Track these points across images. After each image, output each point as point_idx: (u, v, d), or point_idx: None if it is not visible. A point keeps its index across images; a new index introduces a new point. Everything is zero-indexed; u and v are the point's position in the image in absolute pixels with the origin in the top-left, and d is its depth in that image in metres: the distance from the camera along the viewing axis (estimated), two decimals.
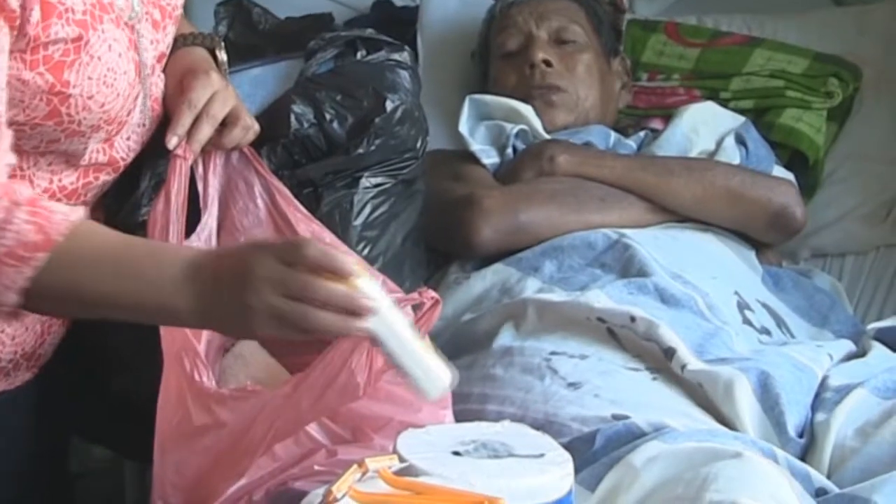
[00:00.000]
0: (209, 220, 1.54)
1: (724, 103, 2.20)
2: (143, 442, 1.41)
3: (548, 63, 2.07)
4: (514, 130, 2.03)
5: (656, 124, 2.19)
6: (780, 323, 1.84)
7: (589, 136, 2.05)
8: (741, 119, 2.12)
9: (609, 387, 1.54)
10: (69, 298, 1.26)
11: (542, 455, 1.19)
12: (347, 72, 1.71)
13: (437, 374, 1.21)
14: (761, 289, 1.90)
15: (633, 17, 2.38)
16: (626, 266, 1.78)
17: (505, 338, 1.69)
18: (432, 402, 1.19)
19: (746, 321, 1.77)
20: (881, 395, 1.52)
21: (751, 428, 1.49)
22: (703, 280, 1.78)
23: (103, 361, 1.60)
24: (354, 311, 1.18)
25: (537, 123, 2.04)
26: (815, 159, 2.20)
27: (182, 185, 1.48)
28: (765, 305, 1.84)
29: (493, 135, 2.06)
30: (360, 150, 1.64)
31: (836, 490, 1.37)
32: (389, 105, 1.65)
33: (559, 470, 1.17)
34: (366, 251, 1.63)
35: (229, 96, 1.53)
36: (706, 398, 1.54)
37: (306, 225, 1.53)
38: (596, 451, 1.40)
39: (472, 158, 2.02)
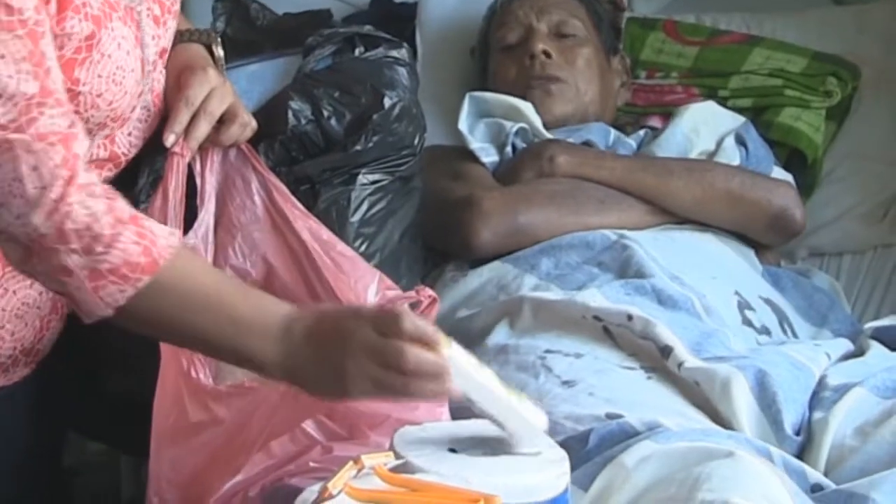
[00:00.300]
0: (206, 216, 1.54)
1: (722, 102, 2.19)
2: (139, 438, 1.41)
3: (547, 54, 2.07)
4: (514, 129, 2.02)
5: (655, 122, 2.18)
6: (783, 319, 1.84)
7: (589, 134, 2.04)
8: (741, 119, 2.12)
9: (603, 385, 1.54)
10: (159, 323, 1.28)
11: (538, 453, 1.19)
12: (345, 68, 1.71)
13: (530, 421, 1.22)
14: (763, 285, 1.90)
15: (631, 14, 2.38)
16: (624, 266, 1.78)
17: (500, 335, 1.69)
18: (530, 450, 1.20)
19: (746, 321, 1.77)
20: (880, 394, 1.52)
21: (747, 426, 1.49)
22: (702, 281, 1.78)
23: (101, 357, 1.59)
24: (442, 377, 1.22)
25: (537, 121, 2.04)
26: (813, 158, 2.20)
27: (180, 183, 1.48)
28: (768, 302, 1.84)
29: (493, 133, 2.05)
30: (358, 147, 1.64)
31: (833, 486, 1.37)
32: (387, 102, 1.65)
33: (556, 468, 1.17)
34: (363, 248, 1.63)
35: (227, 93, 1.53)
36: (702, 396, 1.54)
37: (303, 222, 1.53)
38: (589, 450, 1.40)
39: (471, 156, 2.02)
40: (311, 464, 1.35)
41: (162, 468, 1.39)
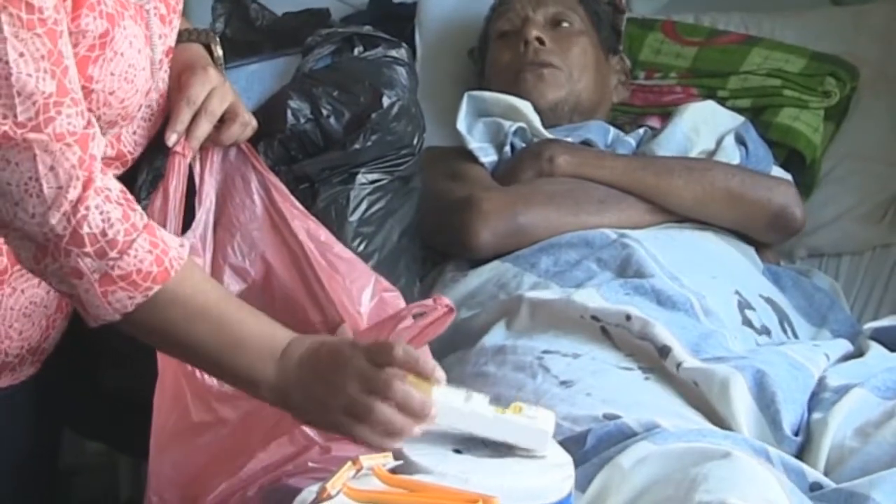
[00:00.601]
0: (205, 216, 1.54)
1: (721, 102, 2.19)
2: (138, 437, 1.41)
3: (541, 41, 2.08)
4: (513, 128, 2.03)
5: (653, 122, 2.18)
6: (784, 318, 1.84)
7: (588, 133, 2.04)
8: (741, 119, 2.12)
9: (601, 386, 1.54)
10: (163, 333, 1.30)
11: (543, 456, 1.19)
12: (344, 68, 1.71)
13: (533, 432, 1.22)
14: (764, 284, 1.90)
15: (630, 15, 2.38)
16: (624, 265, 1.78)
17: (497, 336, 1.69)
18: (544, 453, 1.21)
19: (746, 321, 1.76)
20: (881, 394, 1.52)
21: (746, 426, 1.49)
22: (702, 281, 1.77)
23: (99, 356, 1.59)
24: (424, 415, 1.23)
25: (536, 121, 2.04)
26: (812, 159, 2.20)
27: (180, 183, 1.49)
28: (768, 300, 1.84)
29: (492, 132, 2.05)
30: (357, 146, 1.64)
31: (832, 485, 1.36)
32: (386, 101, 1.65)
33: (560, 472, 1.16)
34: (361, 247, 1.63)
35: (227, 92, 1.53)
36: (700, 397, 1.54)
37: (301, 222, 1.53)
38: (587, 451, 1.40)
39: (470, 156, 2.02)
40: (310, 464, 1.35)
41: (163, 467, 1.39)
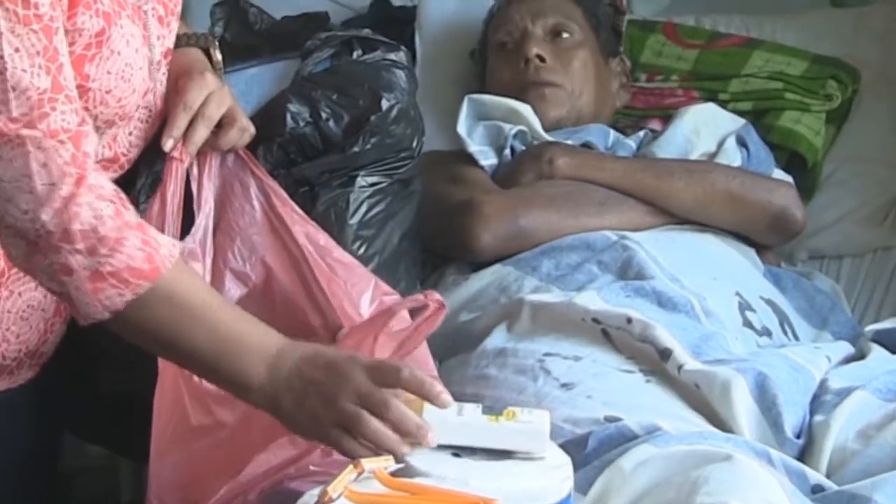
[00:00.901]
0: (204, 221, 1.54)
1: (722, 105, 2.19)
2: (138, 440, 1.41)
3: (541, 58, 2.08)
4: (513, 131, 2.03)
5: (655, 125, 2.18)
6: (784, 320, 1.84)
7: (588, 135, 2.05)
8: (742, 121, 2.12)
9: (602, 388, 1.54)
10: (153, 332, 1.29)
11: (542, 458, 1.19)
12: (343, 71, 1.71)
13: (529, 435, 1.22)
14: (765, 285, 1.90)
15: (631, 17, 2.38)
16: (625, 267, 1.78)
17: (498, 339, 1.69)
18: (543, 454, 1.20)
19: (747, 323, 1.76)
20: (882, 396, 1.52)
21: (747, 428, 1.48)
22: (702, 283, 1.77)
23: (98, 359, 1.59)
24: (420, 436, 1.22)
25: (536, 124, 2.04)
26: (813, 161, 2.20)
27: (178, 188, 1.49)
28: (769, 302, 1.84)
29: (492, 135, 2.05)
30: (356, 149, 1.64)
31: (834, 487, 1.36)
32: (385, 104, 1.65)
33: (559, 473, 1.16)
34: (361, 250, 1.63)
35: (225, 97, 1.53)
36: (702, 399, 1.53)
37: (301, 226, 1.53)
38: (588, 453, 1.39)
39: (470, 159, 2.02)
40: (311, 467, 1.35)
41: (163, 471, 1.39)
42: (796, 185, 2.05)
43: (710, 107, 2.15)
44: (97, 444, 1.93)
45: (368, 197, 1.65)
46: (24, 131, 1.21)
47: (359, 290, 1.49)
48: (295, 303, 1.52)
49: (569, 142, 2.02)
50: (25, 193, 1.22)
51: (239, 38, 1.88)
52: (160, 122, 1.52)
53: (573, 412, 1.48)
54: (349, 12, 2.41)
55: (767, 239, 2.01)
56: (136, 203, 1.53)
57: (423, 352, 1.48)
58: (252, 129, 1.56)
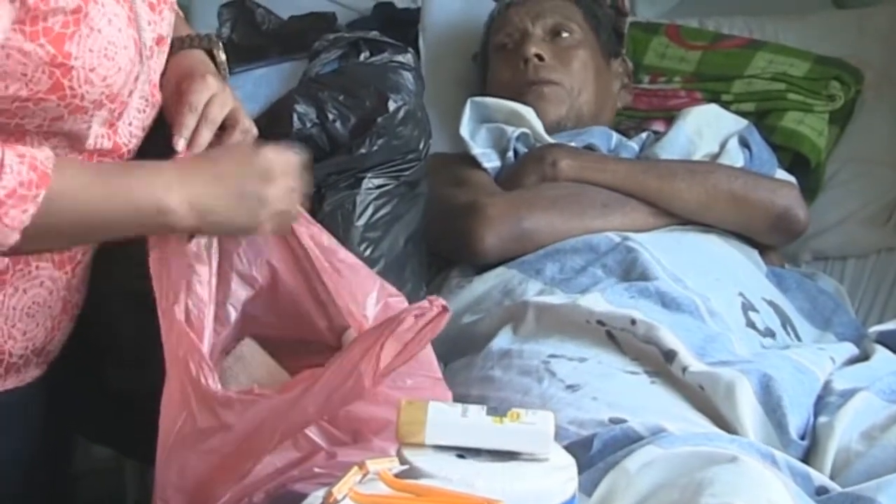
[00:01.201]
0: None
1: (725, 106, 2.20)
2: (143, 440, 1.41)
3: (540, 57, 2.08)
4: (516, 134, 2.03)
5: (658, 126, 2.18)
6: (786, 321, 1.84)
7: (591, 137, 2.05)
8: (744, 122, 2.12)
9: (607, 390, 1.54)
10: (63, 227, 1.32)
11: (546, 459, 1.19)
12: (350, 72, 1.71)
13: (533, 436, 1.21)
14: (767, 287, 1.90)
15: (634, 19, 2.39)
16: (629, 269, 1.78)
17: (503, 340, 1.69)
18: (547, 456, 1.20)
19: (750, 323, 1.76)
20: (886, 398, 1.52)
21: (752, 430, 1.49)
22: (705, 283, 1.78)
23: (104, 357, 1.60)
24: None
25: (539, 126, 2.05)
26: (816, 162, 2.20)
27: None
28: (771, 304, 1.84)
29: (495, 138, 2.06)
30: (363, 150, 1.64)
31: (838, 488, 1.36)
32: (392, 105, 1.65)
33: (563, 474, 1.16)
34: (367, 252, 1.63)
35: (227, 99, 1.53)
36: (706, 401, 1.53)
37: (305, 227, 1.53)
38: (593, 455, 1.40)
39: (473, 162, 2.02)
40: (316, 469, 1.35)
41: (169, 474, 1.39)
42: (799, 186, 2.05)
43: (713, 108, 2.15)
44: (103, 444, 1.93)
45: (375, 199, 1.65)
46: None
47: (364, 292, 1.49)
48: (300, 303, 1.52)
49: (571, 144, 2.02)
50: None
51: (246, 38, 1.88)
52: (157, 112, 1.52)
53: (578, 414, 1.48)
54: (353, 14, 2.42)
55: (770, 239, 2.01)
56: None
57: (428, 353, 1.49)
58: (255, 131, 1.56)
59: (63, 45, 1.32)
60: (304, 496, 1.22)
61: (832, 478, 1.42)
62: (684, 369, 1.56)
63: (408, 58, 1.72)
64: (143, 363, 1.43)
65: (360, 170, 1.64)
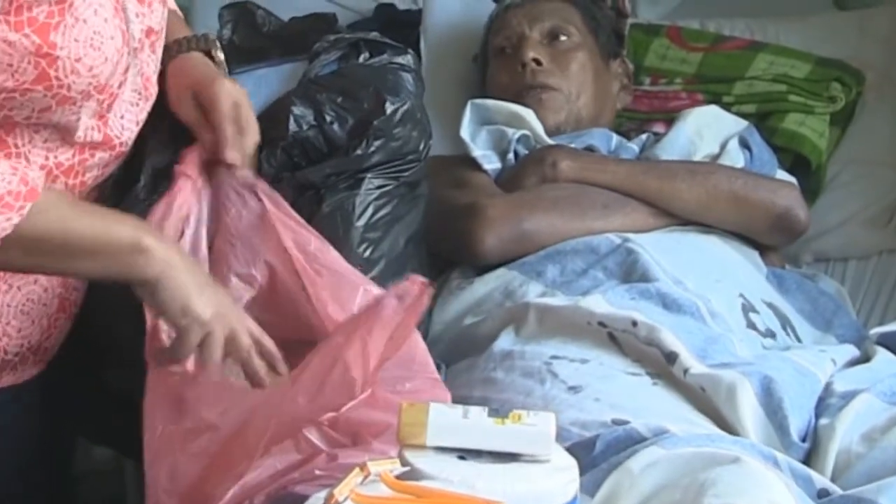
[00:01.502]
0: (191, 238, 1.54)
1: (726, 108, 2.19)
2: (142, 441, 1.41)
3: (538, 62, 2.08)
4: (516, 136, 2.03)
5: (659, 128, 2.18)
6: (786, 323, 1.83)
7: (591, 139, 2.05)
8: (744, 123, 2.12)
9: (610, 391, 1.54)
10: (42, 244, 1.33)
11: (548, 460, 1.19)
12: (349, 74, 1.71)
13: (535, 437, 1.20)
14: (767, 289, 1.90)
15: (635, 20, 2.38)
16: (629, 270, 1.78)
17: (505, 341, 1.69)
18: (548, 457, 1.20)
19: (751, 324, 1.76)
20: (887, 399, 1.52)
21: (753, 432, 1.48)
22: (706, 284, 1.78)
23: (104, 357, 1.60)
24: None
25: (539, 128, 2.05)
26: (817, 164, 2.20)
27: (185, 202, 1.49)
28: (770, 305, 1.84)
29: (495, 140, 2.06)
30: (359, 152, 1.63)
31: (839, 491, 1.36)
32: (389, 107, 1.64)
33: (565, 475, 1.16)
34: (367, 253, 1.63)
35: (244, 100, 1.54)
36: (708, 403, 1.53)
37: (292, 232, 1.52)
38: (595, 456, 1.40)
39: (474, 164, 2.02)
40: (317, 472, 1.35)
41: (158, 477, 1.39)
42: (801, 188, 2.05)
43: (713, 109, 2.15)
44: (103, 444, 1.94)
45: (375, 199, 1.64)
46: None
47: (348, 293, 1.49)
48: (298, 303, 1.52)
49: (572, 145, 2.02)
50: None
51: (247, 40, 1.88)
52: (151, 105, 1.52)
53: (581, 415, 1.48)
54: (355, 15, 2.42)
55: (771, 239, 2.01)
56: (138, 199, 1.54)
57: (423, 354, 1.48)
58: (257, 137, 1.56)
59: (48, 34, 1.32)
60: (305, 498, 1.22)
61: (833, 480, 1.42)
62: (685, 371, 1.56)
63: (407, 59, 1.72)
64: (143, 363, 1.42)
65: (359, 170, 1.64)
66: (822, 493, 1.36)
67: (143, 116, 1.52)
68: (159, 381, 1.40)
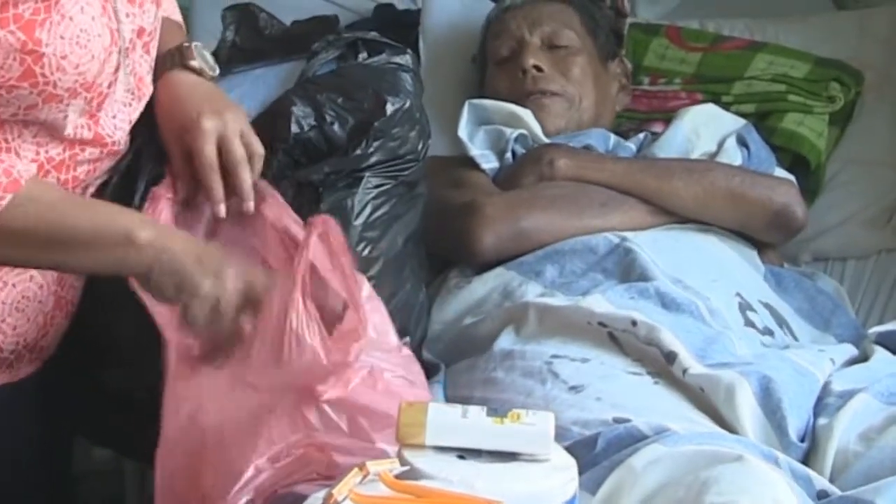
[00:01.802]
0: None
1: (725, 107, 2.20)
2: (142, 440, 1.41)
3: (538, 68, 2.08)
4: (514, 135, 2.03)
5: (657, 128, 2.18)
6: (783, 323, 1.83)
7: (588, 139, 2.05)
8: (742, 121, 2.13)
9: (610, 390, 1.54)
10: (29, 235, 1.33)
11: (547, 460, 1.19)
12: (348, 74, 1.71)
13: (533, 437, 1.21)
14: (764, 289, 1.90)
15: (634, 20, 2.38)
16: (628, 270, 1.78)
17: (506, 341, 1.69)
18: (547, 456, 1.20)
19: (749, 322, 1.76)
20: (884, 399, 1.52)
21: (752, 432, 1.48)
22: (704, 284, 1.78)
23: (103, 357, 1.60)
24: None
25: (536, 128, 2.05)
26: (816, 163, 2.20)
27: (167, 218, 1.49)
28: (767, 306, 1.84)
29: (493, 139, 2.06)
30: (359, 152, 1.63)
31: (838, 492, 1.36)
32: (390, 108, 1.64)
33: (563, 475, 1.16)
34: (366, 252, 1.63)
35: (230, 127, 1.52)
36: (708, 402, 1.54)
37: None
38: (597, 454, 1.40)
39: (472, 164, 2.02)
40: (316, 472, 1.35)
41: (164, 476, 1.39)
42: (800, 188, 2.05)
43: (710, 107, 2.15)
44: (102, 444, 1.94)
45: (373, 198, 1.64)
46: None
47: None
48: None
49: (570, 144, 2.02)
50: None
51: (248, 42, 1.88)
52: (144, 105, 1.52)
53: (582, 414, 1.48)
54: (353, 16, 2.41)
55: (769, 237, 2.00)
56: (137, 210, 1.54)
57: (409, 353, 1.49)
58: (261, 151, 1.56)
59: (34, 31, 1.32)
60: (304, 497, 1.22)
61: (831, 480, 1.42)
62: (684, 371, 1.56)
63: (406, 59, 1.72)
64: (141, 363, 1.43)
65: (358, 169, 1.64)
66: (822, 495, 1.36)
67: (135, 116, 1.51)
68: (172, 379, 1.40)
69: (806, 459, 1.48)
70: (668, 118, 2.19)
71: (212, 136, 1.50)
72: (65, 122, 1.41)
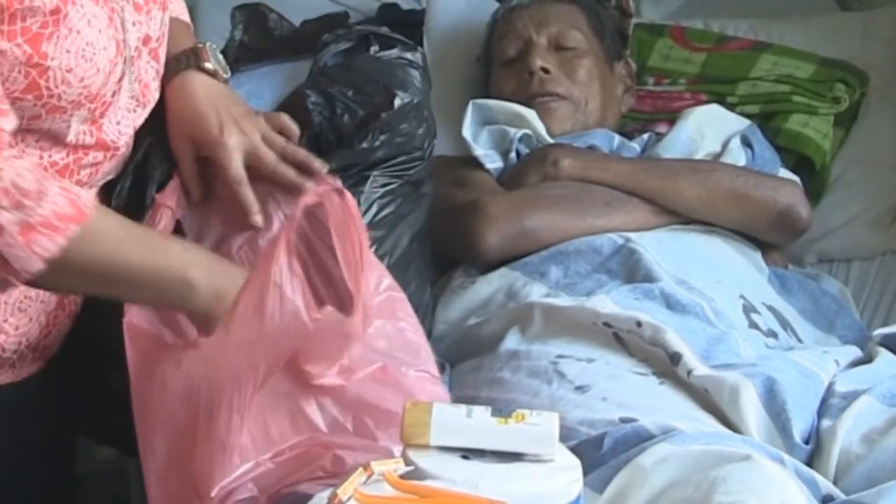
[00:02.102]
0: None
1: (730, 108, 2.20)
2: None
3: (546, 70, 2.07)
4: (518, 135, 2.03)
5: (662, 128, 2.18)
6: (786, 325, 1.83)
7: (593, 139, 2.05)
8: (746, 122, 2.13)
9: (617, 390, 1.54)
10: (93, 268, 1.32)
11: (551, 460, 1.19)
12: (359, 67, 1.70)
13: (538, 437, 1.20)
14: (767, 291, 1.90)
15: (639, 20, 2.39)
16: (632, 271, 1.78)
17: (511, 341, 1.69)
18: (552, 457, 1.20)
19: (753, 324, 1.76)
20: (887, 401, 1.52)
21: (756, 434, 1.48)
22: (708, 285, 1.77)
23: (106, 357, 1.59)
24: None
25: (541, 128, 2.05)
26: (821, 164, 2.20)
27: (167, 227, 1.49)
28: (770, 308, 1.84)
29: (497, 139, 2.06)
30: (364, 145, 1.63)
31: (842, 496, 1.36)
32: (398, 102, 1.64)
33: (568, 475, 1.16)
34: (371, 250, 1.63)
35: (253, 138, 1.53)
36: (712, 403, 1.53)
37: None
38: (604, 453, 1.40)
39: (476, 163, 2.02)
40: (321, 472, 1.35)
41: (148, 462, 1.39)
42: (804, 189, 2.05)
43: (715, 108, 2.15)
44: (106, 444, 1.94)
45: (379, 198, 1.64)
46: None
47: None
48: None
49: (574, 145, 2.02)
50: None
51: (257, 42, 1.88)
52: (149, 112, 1.52)
53: (588, 414, 1.48)
54: (358, 15, 2.41)
55: (773, 237, 2.00)
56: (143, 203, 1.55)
57: (428, 351, 1.48)
58: (295, 131, 1.57)
59: (40, 45, 1.32)
60: (308, 497, 1.22)
61: (834, 482, 1.42)
62: (689, 372, 1.55)
63: (417, 56, 1.71)
64: None
65: (363, 167, 1.63)
66: (827, 499, 1.37)
67: (140, 122, 1.51)
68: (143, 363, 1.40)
69: (810, 461, 1.48)
70: (672, 118, 2.19)
71: (237, 152, 1.52)
72: (67, 131, 1.41)
